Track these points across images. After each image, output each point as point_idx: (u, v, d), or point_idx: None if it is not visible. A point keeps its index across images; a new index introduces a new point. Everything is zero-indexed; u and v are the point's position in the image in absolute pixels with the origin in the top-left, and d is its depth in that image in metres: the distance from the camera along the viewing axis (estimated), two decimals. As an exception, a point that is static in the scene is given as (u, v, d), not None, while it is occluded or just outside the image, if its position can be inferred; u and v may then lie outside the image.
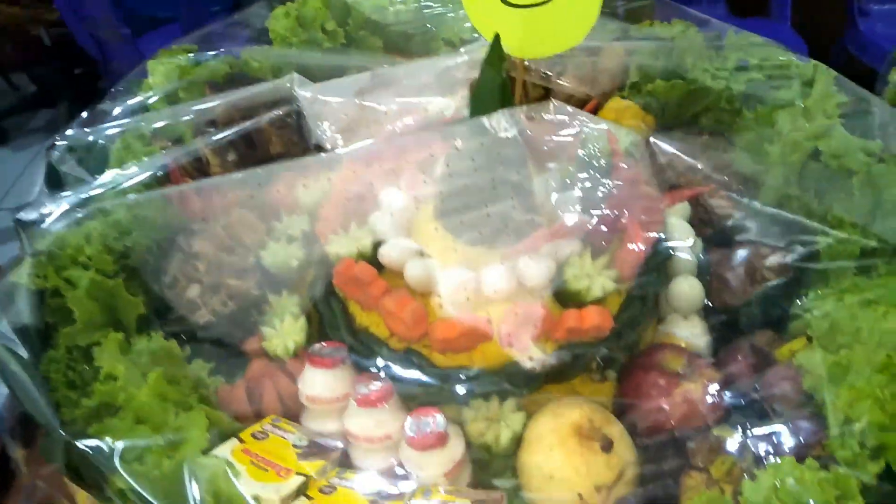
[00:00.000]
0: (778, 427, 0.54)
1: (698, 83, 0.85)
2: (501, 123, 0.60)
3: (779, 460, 0.51)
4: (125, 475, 0.48)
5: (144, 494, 0.48)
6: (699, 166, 0.73)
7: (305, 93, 0.72)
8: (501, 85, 0.61)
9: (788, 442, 0.53)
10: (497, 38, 0.63)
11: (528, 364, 0.58)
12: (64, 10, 2.14)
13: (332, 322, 0.67)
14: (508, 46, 0.66)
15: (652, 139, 0.72)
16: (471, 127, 0.60)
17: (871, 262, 0.63)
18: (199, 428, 0.53)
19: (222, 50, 0.90)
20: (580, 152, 0.65)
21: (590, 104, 0.84)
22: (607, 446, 0.54)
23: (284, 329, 0.67)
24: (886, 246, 0.63)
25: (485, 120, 0.60)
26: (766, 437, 0.54)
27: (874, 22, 2.10)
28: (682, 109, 0.87)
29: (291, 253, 0.70)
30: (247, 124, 0.72)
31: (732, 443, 0.55)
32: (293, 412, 0.65)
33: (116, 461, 0.49)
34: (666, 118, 0.86)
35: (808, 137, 0.72)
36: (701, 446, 0.55)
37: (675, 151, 0.72)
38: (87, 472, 0.51)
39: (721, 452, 0.54)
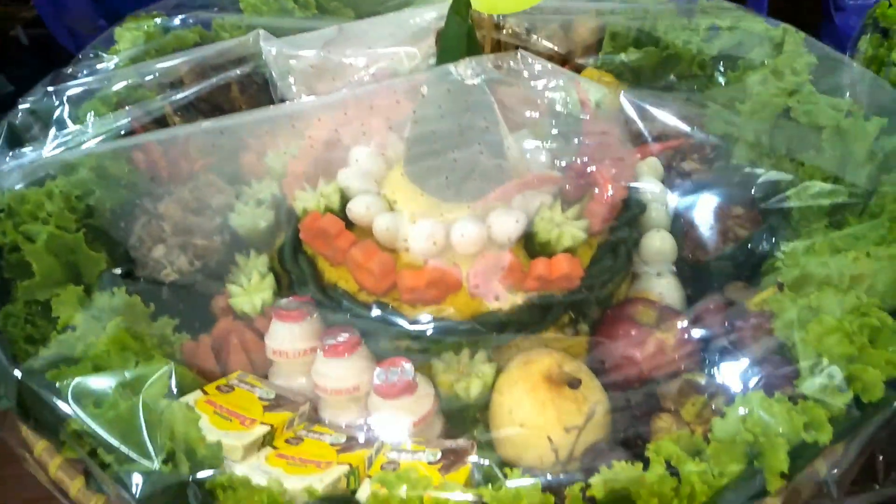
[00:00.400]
0: (748, 368, 0.54)
1: (671, 49, 0.85)
2: (468, 71, 0.59)
3: (749, 397, 0.50)
4: (81, 415, 0.47)
5: (101, 436, 0.46)
6: (671, 124, 0.73)
7: (271, 48, 0.71)
8: (468, 32, 0.60)
9: (758, 381, 0.53)
10: (463, -15, 0.62)
11: (495, 305, 0.57)
12: (42, 5, 2.11)
13: (301, 279, 0.65)
14: (476, 1, 0.65)
15: (623, 96, 0.72)
16: (437, 74, 0.59)
17: (840, 205, 0.63)
18: (159, 371, 0.51)
19: (191, 20, 0.89)
20: (549, 103, 0.64)
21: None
22: (575, 383, 0.53)
23: (252, 286, 0.66)
24: (856, 191, 0.63)
25: (451, 67, 0.59)
26: (736, 378, 0.53)
27: (849, 15, 2.12)
28: (656, 76, 0.87)
29: (260, 214, 0.69)
30: (213, 80, 0.71)
31: (702, 385, 0.54)
32: (260, 370, 0.63)
33: (71, 402, 0.48)
34: (640, 86, 0.86)
35: (779, 95, 0.72)
36: (671, 389, 0.55)
37: (647, 108, 0.72)
38: (42, 415, 0.50)
39: (691, 394, 0.54)
